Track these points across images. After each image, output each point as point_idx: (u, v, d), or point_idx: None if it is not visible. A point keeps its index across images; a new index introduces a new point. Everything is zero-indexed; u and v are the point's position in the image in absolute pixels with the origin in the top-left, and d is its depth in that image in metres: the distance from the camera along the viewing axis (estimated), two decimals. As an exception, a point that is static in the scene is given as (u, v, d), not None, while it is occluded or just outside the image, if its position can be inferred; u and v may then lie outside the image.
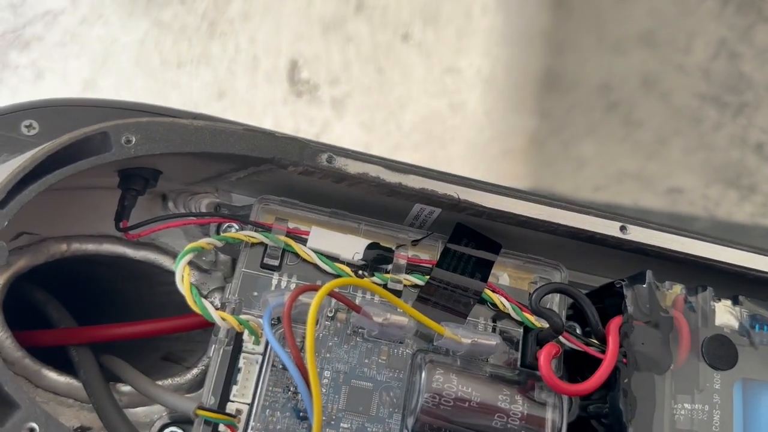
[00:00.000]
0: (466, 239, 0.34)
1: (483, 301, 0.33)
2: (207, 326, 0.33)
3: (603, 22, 1.10)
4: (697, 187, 1.03)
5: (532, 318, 0.33)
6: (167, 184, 0.35)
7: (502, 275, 0.35)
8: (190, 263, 0.32)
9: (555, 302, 0.34)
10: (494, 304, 0.33)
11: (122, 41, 0.99)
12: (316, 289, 0.28)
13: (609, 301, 0.34)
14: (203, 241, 0.30)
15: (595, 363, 0.32)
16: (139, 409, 0.33)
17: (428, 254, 0.34)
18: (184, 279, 0.28)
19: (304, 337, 0.31)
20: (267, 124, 0.97)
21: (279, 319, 0.30)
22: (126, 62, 0.98)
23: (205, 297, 0.36)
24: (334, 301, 0.31)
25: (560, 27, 1.11)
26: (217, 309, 0.29)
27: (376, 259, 0.32)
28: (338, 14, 1.03)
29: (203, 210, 0.36)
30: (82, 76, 0.97)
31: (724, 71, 1.10)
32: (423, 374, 0.30)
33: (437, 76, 1.03)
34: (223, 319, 0.28)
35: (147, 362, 0.37)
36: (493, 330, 0.33)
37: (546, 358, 0.30)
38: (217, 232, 0.34)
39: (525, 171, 1.02)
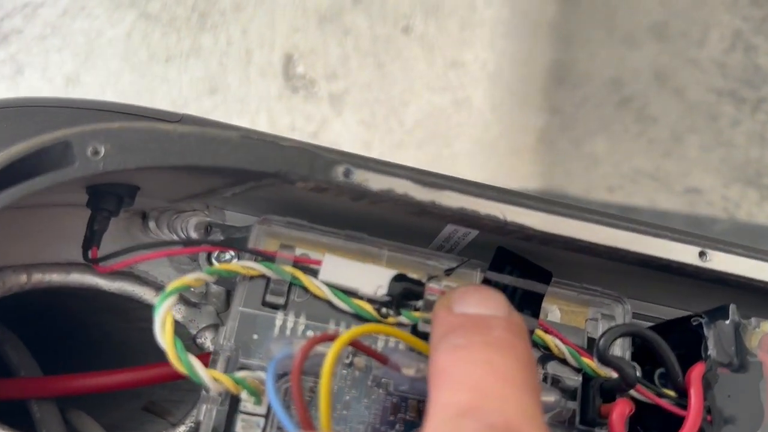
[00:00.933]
0: (509, 267, 0.28)
1: (532, 343, 0.27)
2: (196, 374, 0.27)
3: (613, 12, 1.05)
4: (716, 187, 0.98)
5: (593, 364, 0.27)
6: (147, 201, 0.29)
7: (552, 309, 0.29)
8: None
9: (616, 341, 0.28)
10: (546, 347, 0.27)
11: (107, 34, 0.93)
12: (332, 338, 0.22)
13: (676, 337, 0.28)
14: (190, 278, 0.24)
15: (662, 416, 0.26)
16: (113, 478, 0.27)
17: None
18: (165, 330, 0.22)
19: (313, 390, 0.25)
20: (261, 121, 0.91)
21: (285, 372, 0.25)
22: (111, 56, 0.92)
23: (195, 338, 0.30)
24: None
25: (569, 18, 1.05)
26: (209, 368, 0.23)
27: (403, 294, 0.26)
28: (335, 5, 0.97)
29: (191, 231, 0.30)
30: (64, 72, 0.91)
31: (740, 65, 1.05)
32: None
33: (440, 71, 0.98)
34: (216, 380, 0.22)
35: (125, 413, 0.31)
36: (544, 378, 0.27)
37: (619, 420, 0.24)
38: (209, 260, 0.29)
39: (535, 170, 0.97)
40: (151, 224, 0.30)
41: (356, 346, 0.24)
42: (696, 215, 0.96)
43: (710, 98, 1.02)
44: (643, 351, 0.29)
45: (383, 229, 0.28)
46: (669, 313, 0.32)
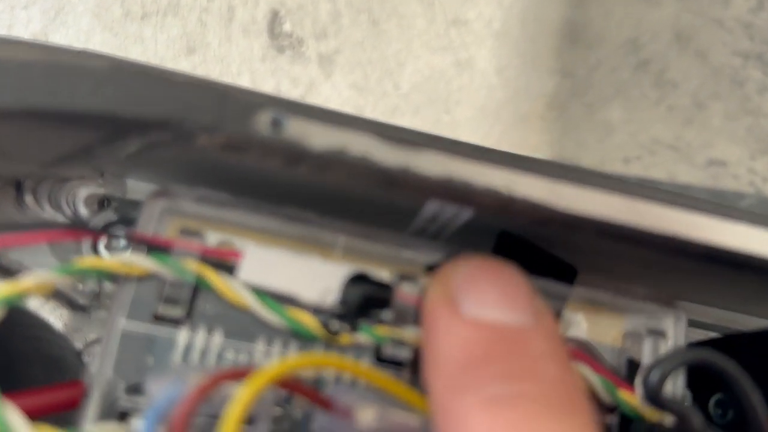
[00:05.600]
0: (517, 260, 0.20)
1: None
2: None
3: (631, -33, 0.96)
4: (742, 160, 0.90)
5: (635, 401, 0.19)
6: (13, 166, 0.21)
7: (576, 318, 0.21)
8: (57, 296, 0.18)
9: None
10: (569, 377, 0.19)
11: (79, -11, 0.85)
12: (241, 376, 0.14)
13: (749, 357, 0.20)
14: (29, 283, 0.16)
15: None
16: None
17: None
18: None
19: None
20: (243, 83, 0.83)
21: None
22: (83, 13, 0.84)
23: (81, 354, 0.22)
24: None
25: (582, -28, 0.97)
26: (83, 407, 0.15)
27: (363, 302, 0.18)
28: (326, -43, 0.89)
29: (80, 206, 0.22)
30: (31, 30, 0.83)
31: (768, 26, 0.96)
32: None
33: (441, 29, 0.89)
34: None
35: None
36: (565, 420, 0.19)
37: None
38: (94, 248, 0.20)
39: (544, 139, 0.88)
40: (28, 198, 0.22)
41: (286, 387, 0.15)
42: (720, 190, 0.88)
43: (735, 62, 0.93)
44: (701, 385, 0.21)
45: (340, 206, 0.20)
46: (730, 318, 0.24)
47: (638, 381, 0.19)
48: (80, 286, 0.22)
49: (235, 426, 0.13)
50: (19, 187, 0.22)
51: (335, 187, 0.19)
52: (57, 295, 0.21)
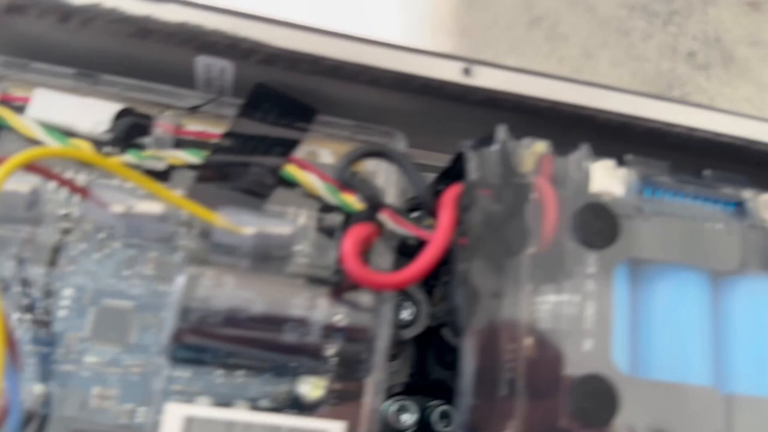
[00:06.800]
0: (268, 104, 0.25)
1: (290, 184, 0.25)
2: None
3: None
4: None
5: (352, 199, 0.24)
6: None
7: (324, 151, 0.26)
8: None
9: (392, 194, 0.25)
10: (305, 186, 0.25)
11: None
12: None
13: (453, 180, 0.25)
14: None
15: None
16: None
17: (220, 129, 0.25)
18: None
19: None
20: None
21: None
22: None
23: None
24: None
25: (476, -64, 1.02)
26: None
27: (131, 131, 0.23)
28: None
29: None
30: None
31: (653, -21, 1.04)
32: (179, 279, 0.21)
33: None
34: None
35: None
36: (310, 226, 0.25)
37: (351, 241, 0.21)
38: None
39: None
40: None
41: (43, 174, 0.20)
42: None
43: (622, 13, 1.00)
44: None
45: (129, 67, 0.25)
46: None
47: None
48: None
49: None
50: None
51: (107, 45, 0.24)
52: None
